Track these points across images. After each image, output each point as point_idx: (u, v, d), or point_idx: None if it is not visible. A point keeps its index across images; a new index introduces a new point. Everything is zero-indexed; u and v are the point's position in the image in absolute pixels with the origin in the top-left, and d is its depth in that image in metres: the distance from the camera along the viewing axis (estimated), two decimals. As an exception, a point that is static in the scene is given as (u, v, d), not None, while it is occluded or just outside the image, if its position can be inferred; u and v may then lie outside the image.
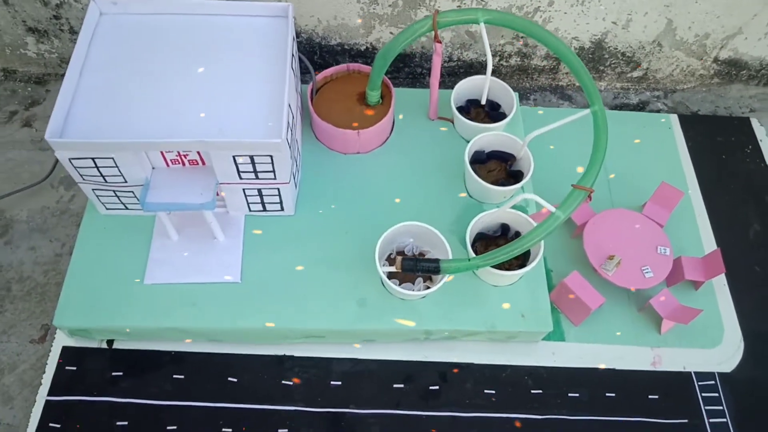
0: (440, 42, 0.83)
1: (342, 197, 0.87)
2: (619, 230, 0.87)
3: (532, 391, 0.80)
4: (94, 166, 0.73)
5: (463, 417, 0.78)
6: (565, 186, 0.73)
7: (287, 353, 0.82)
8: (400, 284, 0.79)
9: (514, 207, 0.83)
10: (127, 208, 0.83)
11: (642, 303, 0.86)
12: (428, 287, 0.77)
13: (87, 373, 0.80)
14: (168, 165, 0.78)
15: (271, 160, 0.74)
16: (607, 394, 0.81)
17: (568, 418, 0.79)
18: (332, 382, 0.80)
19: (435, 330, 0.78)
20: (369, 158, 0.91)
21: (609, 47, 1.03)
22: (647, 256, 0.85)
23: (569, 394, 0.80)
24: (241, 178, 0.77)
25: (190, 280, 0.80)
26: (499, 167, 0.90)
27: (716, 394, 0.81)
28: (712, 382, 0.82)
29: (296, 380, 0.79)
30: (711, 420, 0.79)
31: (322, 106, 0.90)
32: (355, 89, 0.92)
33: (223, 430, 0.76)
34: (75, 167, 0.73)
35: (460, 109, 0.92)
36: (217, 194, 0.83)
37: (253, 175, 0.76)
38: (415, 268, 0.75)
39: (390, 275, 0.78)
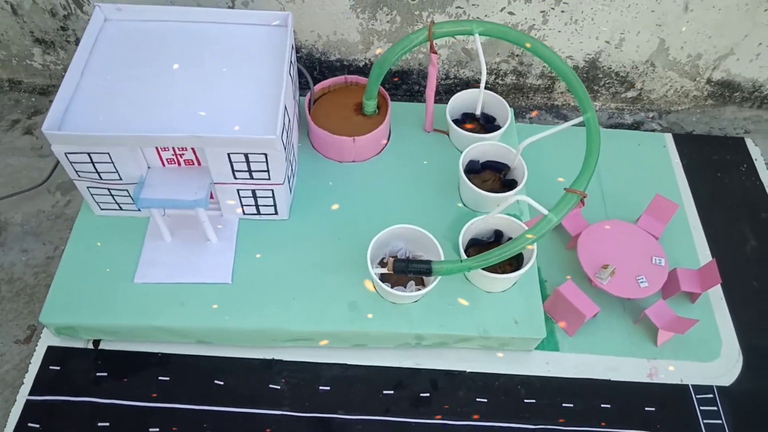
0: (436, 53, 0.85)
1: (336, 204, 0.87)
2: (614, 240, 0.87)
3: (525, 401, 0.78)
4: (89, 161, 0.74)
5: (455, 425, 0.76)
6: (559, 195, 0.73)
7: (276, 357, 0.80)
8: (392, 288, 0.78)
9: (508, 213, 0.83)
10: (121, 209, 0.83)
11: (637, 315, 0.85)
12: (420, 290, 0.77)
13: (71, 374, 0.78)
14: (164, 164, 0.78)
15: (266, 158, 0.74)
16: (602, 405, 0.78)
17: (562, 428, 0.77)
18: (320, 387, 0.78)
19: (426, 334, 0.77)
20: (364, 166, 0.92)
21: (603, 66, 1.04)
22: (642, 267, 0.84)
23: (563, 405, 0.78)
24: (235, 178, 0.77)
25: (181, 280, 0.79)
26: (494, 177, 0.90)
27: (715, 408, 0.79)
28: (711, 395, 0.80)
29: (284, 380, 0.78)
30: (710, 434, 0.77)
31: (319, 115, 0.91)
32: (353, 100, 0.94)
33: (207, 433, 0.75)
34: (71, 162, 0.74)
35: (455, 123, 0.93)
36: (211, 197, 0.84)
37: (247, 175, 0.77)
38: (407, 269, 0.75)
39: (382, 279, 0.77)
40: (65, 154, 0.73)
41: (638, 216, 0.92)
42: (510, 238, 0.82)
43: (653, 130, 1.10)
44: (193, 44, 0.82)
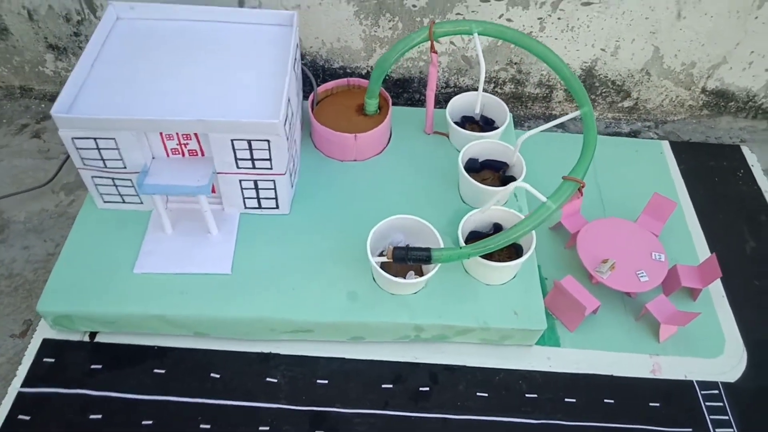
0: (436, 53, 0.87)
1: (337, 200, 0.88)
2: (614, 237, 0.87)
3: (527, 395, 0.77)
4: (95, 147, 0.75)
5: (455, 419, 0.75)
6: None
7: (273, 351, 0.79)
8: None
9: (508, 206, 0.84)
10: (124, 201, 0.84)
11: (638, 313, 0.84)
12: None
13: (65, 366, 0.77)
14: (168, 155, 0.80)
15: (269, 146, 0.75)
16: (606, 400, 0.77)
17: (565, 423, 0.75)
18: (318, 381, 0.77)
19: (426, 325, 0.77)
20: (365, 165, 0.93)
21: (599, 75, 1.07)
22: (642, 262, 0.84)
23: (566, 399, 0.77)
24: (238, 167, 0.78)
25: (181, 271, 0.79)
26: (493, 176, 0.91)
27: (721, 404, 0.77)
28: (716, 391, 0.78)
29: (281, 374, 0.77)
30: (717, 430, 0.75)
31: (322, 114, 0.93)
32: (355, 102, 0.96)
33: (202, 425, 0.73)
34: (77, 148, 0.75)
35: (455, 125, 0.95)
36: (213, 192, 0.84)
37: (250, 164, 0.78)
38: (407, 257, 0.75)
39: (382, 269, 0.77)
40: (72, 139, 0.74)
41: (637, 218, 0.92)
42: (509, 232, 0.83)
43: (651, 139, 1.11)
44: (202, 41, 0.85)
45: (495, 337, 0.79)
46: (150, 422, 0.73)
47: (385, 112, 0.94)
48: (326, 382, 0.77)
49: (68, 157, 0.97)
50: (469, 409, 0.75)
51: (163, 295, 0.77)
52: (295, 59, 0.85)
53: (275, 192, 0.83)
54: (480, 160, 0.91)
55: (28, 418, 0.73)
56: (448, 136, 0.98)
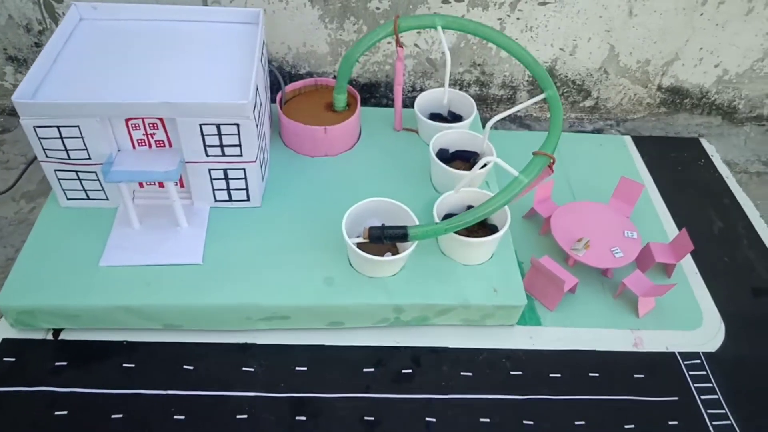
0: (402, 47, 0.89)
1: (310, 192, 0.87)
2: (587, 217, 0.88)
3: (512, 372, 0.75)
4: (59, 136, 0.73)
5: (439, 399, 0.72)
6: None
7: (249, 341, 0.76)
8: (368, 261, 0.76)
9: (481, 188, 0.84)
10: (88, 197, 0.81)
11: (616, 290, 0.84)
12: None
13: (27, 365, 0.73)
14: (135, 146, 0.78)
15: (238, 130, 0.75)
16: (590, 374, 0.76)
17: (552, 398, 0.73)
18: (297, 368, 0.74)
19: (405, 305, 0.75)
20: (337, 160, 0.93)
21: (560, 74, 1.10)
22: (616, 239, 0.85)
23: (550, 375, 0.75)
24: (207, 155, 0.77)
25: (149, 262, 0.76)
26: (464, 166, 0.92)
27: (704, 372, 0.77)
28: (698, 361, 0.78)
29: (258, 364, 0.73)
30: (702, 397, 0.74)
31: (290, 112, 0.93)
32: (323, 100, 0.96)
33: (175, 417, 0.69)
34: (39, 138, 0.73)
35: (423, 123, 0.97)
36: (181, 186, 0.83)
37: (219, 151, 0.77)
38: (383, 235, 0.74)
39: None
40: (34, 128, 0.72)
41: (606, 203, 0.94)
42: (484, 213, 0.83)
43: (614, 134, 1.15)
44: (168, 39, 0.85)
45: (476, 317, 0.78)
46: (120, 416, 0.69)
47: (353, 109, 0.95)
48: (305, 369, 0.74)
49: (29, 165, 0.95)
50: (453, 388, 0.73)
51: (130, 287, 0.73)
52: (263, 54, 0.86)
53: (246, 182, 0.81)
54: (450, 151, 0.92)
55: (-12, 419, 0.68)
56: (417, 132, 0.99)
